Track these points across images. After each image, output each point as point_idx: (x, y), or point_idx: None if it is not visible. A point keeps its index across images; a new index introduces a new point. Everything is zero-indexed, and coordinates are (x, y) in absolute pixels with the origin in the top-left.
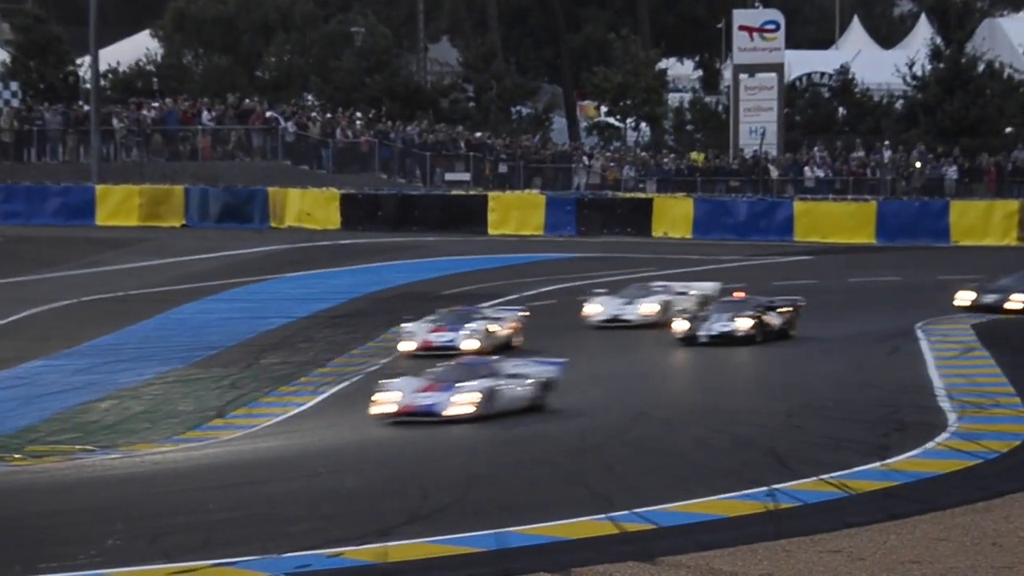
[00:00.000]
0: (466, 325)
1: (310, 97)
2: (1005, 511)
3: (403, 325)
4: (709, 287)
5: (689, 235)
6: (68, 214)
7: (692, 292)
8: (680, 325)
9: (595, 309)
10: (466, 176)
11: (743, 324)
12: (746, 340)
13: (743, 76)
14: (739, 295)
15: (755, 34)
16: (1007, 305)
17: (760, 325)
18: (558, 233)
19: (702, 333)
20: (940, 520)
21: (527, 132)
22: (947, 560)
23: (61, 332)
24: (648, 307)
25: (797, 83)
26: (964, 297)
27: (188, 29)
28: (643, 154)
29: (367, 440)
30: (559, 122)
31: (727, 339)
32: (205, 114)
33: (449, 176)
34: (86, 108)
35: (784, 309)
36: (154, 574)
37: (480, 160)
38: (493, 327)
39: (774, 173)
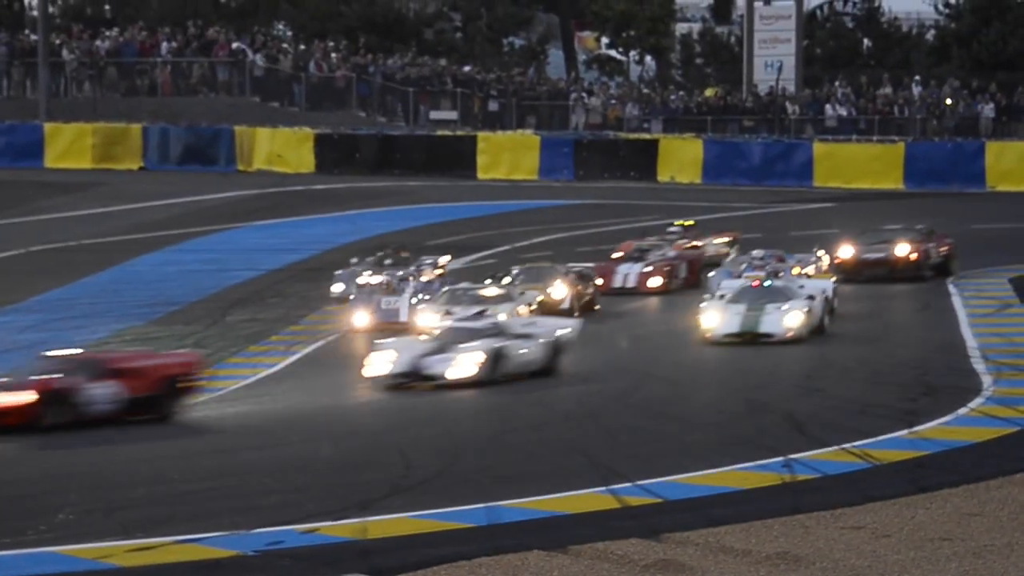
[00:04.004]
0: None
1: (281, 26)
2: None
3: None
4: None
5: (698, 180)
6: (13, 155)
7: None
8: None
9: None
10: (453, 115)
11: None
12: None
13: (758, 4)
14: None
15: None
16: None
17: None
18: (554, 177)
19: None
20: (973, 493)
21: (520, 66)
22: (981, 537)
23: (6, 286)
24: None
25: (818, 12)
26: None
27: None
28: (648, 91)
29: (344, 405)
30: (555, 55)
31: None
32: (164, 45)
33: (434, 114)
34: (33, 38)
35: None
36: (111, 551)
37: (468, 97)
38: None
39: (792, 112)
